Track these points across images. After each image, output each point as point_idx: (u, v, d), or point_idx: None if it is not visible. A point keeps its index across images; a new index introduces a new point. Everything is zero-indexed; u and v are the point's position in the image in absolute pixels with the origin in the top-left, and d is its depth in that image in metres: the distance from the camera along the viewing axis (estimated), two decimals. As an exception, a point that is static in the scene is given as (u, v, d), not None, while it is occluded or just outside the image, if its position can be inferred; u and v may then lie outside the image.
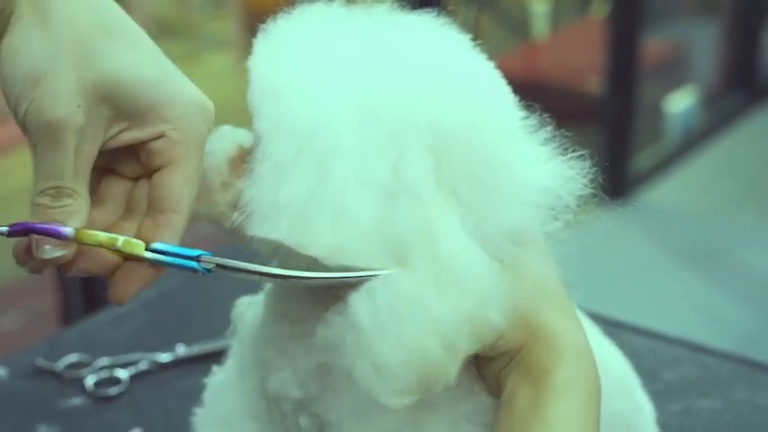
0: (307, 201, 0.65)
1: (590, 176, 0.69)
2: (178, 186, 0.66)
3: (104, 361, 1.12)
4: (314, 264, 0.65)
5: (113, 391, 1.09)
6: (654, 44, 3.46)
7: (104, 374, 1.10)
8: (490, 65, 0.72)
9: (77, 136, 0.62)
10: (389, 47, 0.69)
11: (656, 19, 3.52)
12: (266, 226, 0.65)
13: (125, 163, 0.68)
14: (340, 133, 0.65)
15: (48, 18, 0.63)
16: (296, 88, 0.67)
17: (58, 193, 0.63)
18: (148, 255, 0.65)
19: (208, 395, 0.81)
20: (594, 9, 3.90)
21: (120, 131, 0.65)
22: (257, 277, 0.66)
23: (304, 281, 0.65)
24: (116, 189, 0.68)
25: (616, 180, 3.21)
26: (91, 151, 0.64)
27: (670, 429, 0.95)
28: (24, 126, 0.63)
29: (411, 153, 0.65)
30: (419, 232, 0.64)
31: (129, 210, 0.68)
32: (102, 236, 0.64)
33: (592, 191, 0.70)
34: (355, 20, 0.70)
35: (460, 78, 0.69)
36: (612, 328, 1.02)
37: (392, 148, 0.65)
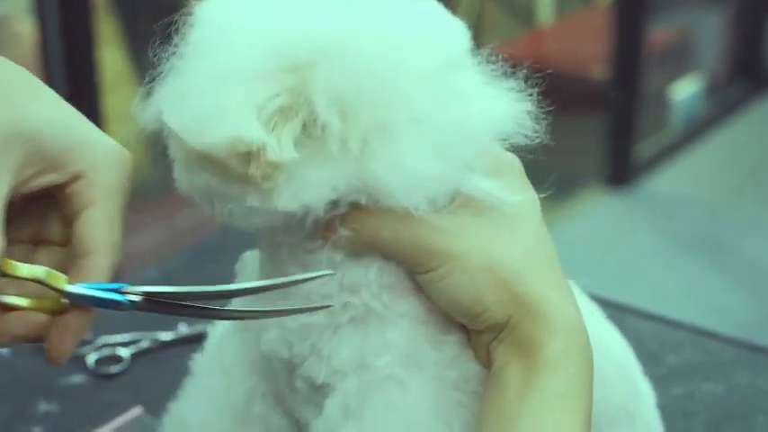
0: (181, 87, 0.67)
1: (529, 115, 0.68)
2: (99, 227, 0.65)
3: (106, 339, 1.12)
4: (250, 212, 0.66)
5: (114, 369, 1.08)
6: (659, 32, 3.45)
7: (106, 352, 1.10)
8: (436, 8, 0.70)
9: None
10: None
11: (661, 6, 3.51)
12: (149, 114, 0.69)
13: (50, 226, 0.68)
14: (216, 38, 0.67)
15: None
16: (211, 16, 0.68)
17: None
18: (70, 288, 0.63)
19: (209, 344, 0.82)
20: (600, -4, 3.89)
21: (34, 174, 0.64)
22: (190, 311, 0.65)
23: (241, 315, 0.68)
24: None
25: (620, 167, 3.21)
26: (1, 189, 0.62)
27: (672, 413, 0.95)
28: None
29: (255, 51, 0.65)
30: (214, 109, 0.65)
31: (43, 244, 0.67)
32: (24, 267, 0.63)
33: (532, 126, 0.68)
34: None
35: (363, 5, 0.68)
36: (616, 311, 1.02)
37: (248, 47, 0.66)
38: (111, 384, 1.07)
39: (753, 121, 3.72)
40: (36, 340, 0.65)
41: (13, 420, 1.02)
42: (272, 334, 0.72)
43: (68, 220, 0.66)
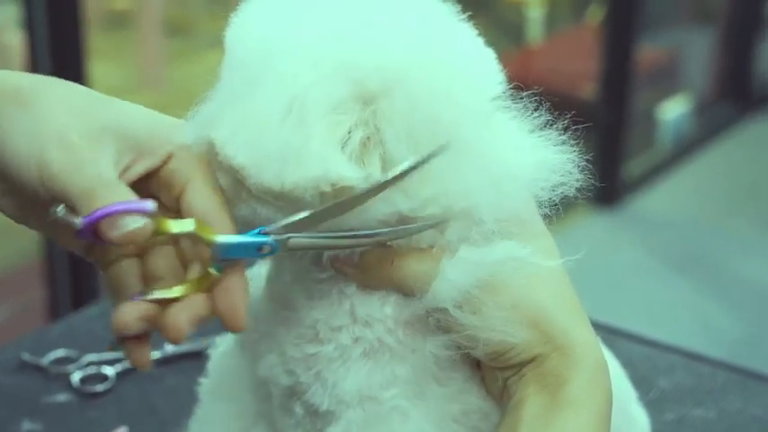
0: (222, 104, 0.65)
1: (577, 172, 0.68)
2: (205, 194, 0.66)
3: (91, 357, 1.11)
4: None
5: (100, 387, 1.07)
6: (648, 51, 3.46)
7: (91, 371, 1.09)
8: (477, 38, 0.70)
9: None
10: (369, 8, 0.67)
11: (650, 26, 3.52)
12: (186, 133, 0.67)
13: None
14: (272, 62, 0.64)
15: (31, 102, 0.65)
16: (254, 33, 0.67)
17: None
18: (220, 238, 0.64)
19: (211, 365, 0.81)
20: (589, 15, 3.90)
21: (130, 163, 0.67)
22: (329, 243, 0.66)
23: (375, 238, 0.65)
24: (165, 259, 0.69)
25: (608, 186, 3.21)
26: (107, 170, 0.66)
27: (664, 438, 0.95)
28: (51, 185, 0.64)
29: (327, 81, 0.63)
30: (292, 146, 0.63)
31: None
32: (175, 222, 0.64)
33: (577, 188, 0.69)
34: None
35: (425, 31, 0.67)
36: (606, 334, 1.01)
37: (317, 75, 0.63)
38: (95, 403, 1.06)
39: (741, 140, 3.73)
40: (211, 317, 0.65)
41: (-5, 439, 1.01)
42: (270, 360, 0.71)
43: (175, 203, 0.68)
